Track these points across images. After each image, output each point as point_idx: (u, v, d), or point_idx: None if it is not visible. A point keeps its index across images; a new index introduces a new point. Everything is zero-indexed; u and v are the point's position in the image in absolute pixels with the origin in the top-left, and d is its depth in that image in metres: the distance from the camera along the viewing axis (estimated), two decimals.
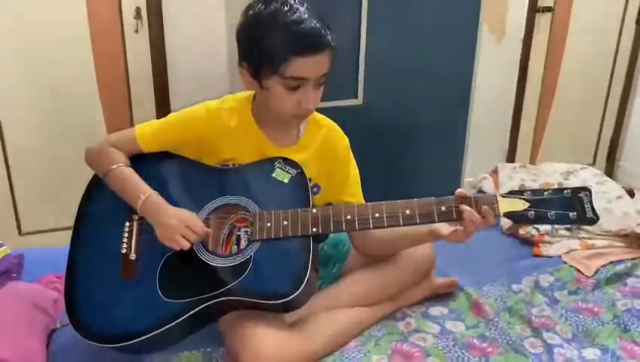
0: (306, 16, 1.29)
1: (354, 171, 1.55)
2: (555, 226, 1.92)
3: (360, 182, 1.56)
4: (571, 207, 1.30)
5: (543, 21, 3.23)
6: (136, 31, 2.58)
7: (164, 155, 1.47)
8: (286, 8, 1.29)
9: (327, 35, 1.31)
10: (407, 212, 1.34)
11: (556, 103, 3.46)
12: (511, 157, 3.49)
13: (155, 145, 1.46)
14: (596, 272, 1.79)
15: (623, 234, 1.94)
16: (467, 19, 2.67)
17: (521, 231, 1.99)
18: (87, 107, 2.59)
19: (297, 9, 1.29)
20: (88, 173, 1.50)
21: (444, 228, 1.36)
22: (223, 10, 2.64)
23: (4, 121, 2.51)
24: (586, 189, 1.32)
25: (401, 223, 1.34)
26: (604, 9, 3.36)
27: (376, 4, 2.45)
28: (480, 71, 2.80)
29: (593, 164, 3.70)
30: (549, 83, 3.40)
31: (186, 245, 1.29)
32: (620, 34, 3.45)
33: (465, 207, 1.31)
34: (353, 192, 1.53)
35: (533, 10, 3.18)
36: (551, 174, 2.28)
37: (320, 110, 1.49)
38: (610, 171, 3.75)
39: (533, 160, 3.54)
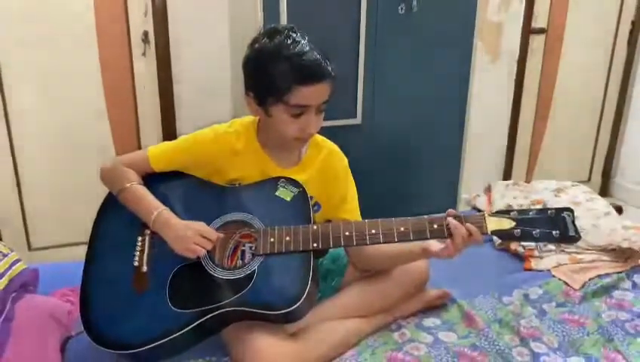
0: (307, 48, 1.38)
1: (352, 190, 1.62)
2: (540, 244, 1.99)
3: (357, 199, 1.63)
4: (555, 226, 1.36)
5: (537, 42, 3.32)
6: (144, 54, 2.65)
7: (175, 175, 1.55)
8: (289, 41, 1.38)
9: (327, 65, 1.40)
10: (402, 229, 1.41)
11: (551, 121, 3.53)
12: (507, 175, 3.53)
13: (166, 166, 1.54)
14: (583, 285, 1.84)
15: (609, 248, 1.99)
16: (462, 40, 2.75)
17: (513, 247, 2.05)
18: (97, 127, 2.66)
19: (300, 42, 1.39)
20: (96, 191, 1.57)
21: (435, 245, 1.44)
22: (228, 35, 2.73)
23: (16, 140, 2.57)
24: (569, 209, 1.38)
25: (396, 240, 1.41)
26: (596, 29, 3.43)
27: (373, 26, 2.54)
28: (476, 90, 2.86)
29: (589, 180, 3.76)
30: (544, 101, 3.48)
31: (203, 252, 1.38)
32: (613, 53, 3.51)
33: (452, 221, 1.37)
34: (351, 210, 1.60)
35: (527, 31, 3.27)
36: (542, 191, 2.34)
37: (321, 129, 1.55)
38: (605, 187, 3.80)
39: (529, 177, 3.58)
